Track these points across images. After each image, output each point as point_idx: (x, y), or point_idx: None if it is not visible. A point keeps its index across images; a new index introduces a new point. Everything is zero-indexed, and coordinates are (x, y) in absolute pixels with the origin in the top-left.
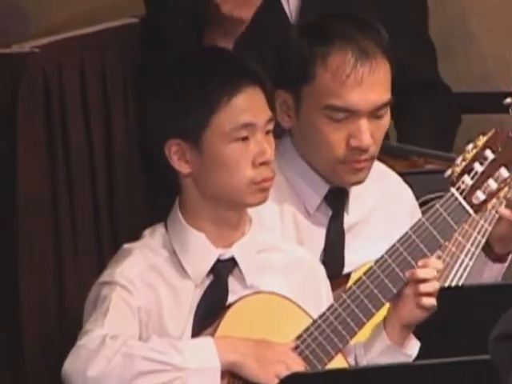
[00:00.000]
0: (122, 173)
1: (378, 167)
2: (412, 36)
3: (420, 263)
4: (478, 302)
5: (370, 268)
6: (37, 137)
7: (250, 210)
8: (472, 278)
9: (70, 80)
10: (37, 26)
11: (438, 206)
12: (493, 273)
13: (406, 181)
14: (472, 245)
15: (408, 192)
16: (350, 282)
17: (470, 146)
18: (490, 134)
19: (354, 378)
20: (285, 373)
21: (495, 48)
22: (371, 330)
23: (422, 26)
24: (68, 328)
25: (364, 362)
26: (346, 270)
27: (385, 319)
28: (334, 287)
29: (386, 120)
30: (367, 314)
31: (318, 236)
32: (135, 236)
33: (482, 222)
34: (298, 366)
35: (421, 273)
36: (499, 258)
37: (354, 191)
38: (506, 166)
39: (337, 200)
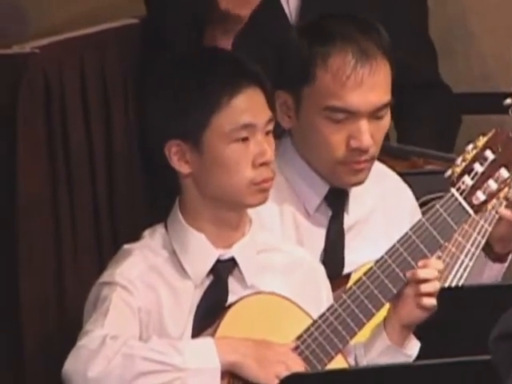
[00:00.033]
0: (122, 173)
1: (378, 167)
2: (412, 36)
3: (420, 264)
4: (478, 302)
5: (370, 268)
6: (37, 137)
7: (250, 211)
8: (472, 279)
9: (70, 80)
10: (37, 26)
11: (438, 206)
12: (493, 273)
13: (406, 181)
14: (472, 245)
15: (408, 192)
16: (350, 283)
17: (470, 146)
18: (490, 135)
19: (353, 378)
20: (285, 373)
21: (495, 48)
22: (371, 331)
23: (422, 26)
24: (68, 328)
25: (364, 362)
26: (346, 271)
27: (385, 319)
28: (334, 287)
29: (386, 121)
30: (367, 314)
31: (317, 236)
32: (135, 236)
33: (481, 222)
34: (297, 366)
35: (422, 273)
36: (499, 258)
37: (354, 191)
38: (506, 167)
39: (337, 200)
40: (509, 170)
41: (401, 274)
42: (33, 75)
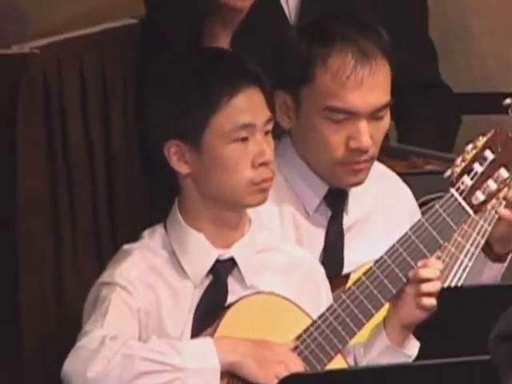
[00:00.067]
0: (121, 173)
1: (377, 167)
2: (412, 36)
3: (419, 264)
4: (478, 303)
5: (370, 268)
6: (36, 137)
7: (250, 211)
8: (471, 279)
9: (69, 80)
10: (36, 26)
11: (437, 206)
12: (492, 273)
13: (405, 181)
14: (471, 245)
15: (407, 192)
16: (350, 283)
17: (470, 146)
18: (489, 135)
19: (353, 378)
20: (284, 373)
21: (495, 48)
22: (371, 331)
23: (422, 26)
24: (67, 328)
25: (364, 362)
26: (345, 271)
27: (384, 319)
28: (333, 288)
29: (386, 121)
30: (367, 314)
31: (317, 236)
32: (134, 236)
33: (481, 222)
34: (297, 366)
35: (424, 272)
36: (499, 258)
37: (354, 192)
38: (506, 167)
39: (336, 201)
40: (508, 170)
41: (400, 274)
42: (32, 75)
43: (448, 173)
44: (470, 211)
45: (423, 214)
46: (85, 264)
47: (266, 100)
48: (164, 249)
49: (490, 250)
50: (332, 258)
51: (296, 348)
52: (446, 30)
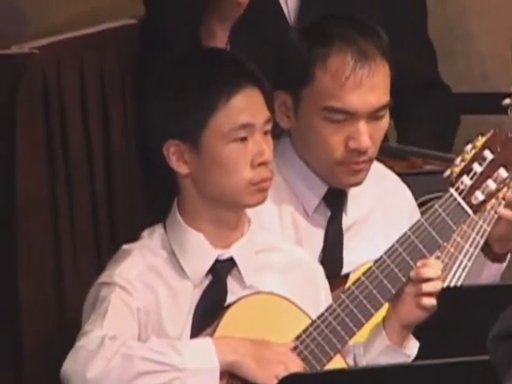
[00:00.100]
0: (120, 173)
1: (377, 167)
2: (413, 36)
3: (419, 264)
4: (478, 303)
5: (369, 268)
6: (36, 137)
7: (249, 211)
8: (471, 279)
9: (69, 81)
10: (36, 26)
11: (436, 206)
12: (491, 273)
13: (404, 181)
14: (471, 245)
15: (406, 192)
16: (349, 283)
17: (469, 146)
18: (488, 135)
19: (352, 378)
20: (283, 373)
21: (494, 48)
22: (370, 330)
23: (423, 27)
24: (67, 328)
25: (363, 362)
26: (344, 271)
27: (384, 319)
28: (332, 288)
29: (385, 121)
30: (366, 314)
31: (316, 237)
32: (134, 236)
33: (480, 222)
34: (296, 366)
35: (426, 272)
36: (498, 258)
37: (353, 192)
38: (505, 167)
39: (335, 201)
40: (508, 170)
41: (400, 274)
42: (32, 75)
43: (447, 173)
44: (470, 211)
45: (422, 213)
46: (84, 264)
47: (265, 100)
48: (163, 249)
49: (489, 250)
50: (331, 258)
51: (295, 348)
52: (446, 30)
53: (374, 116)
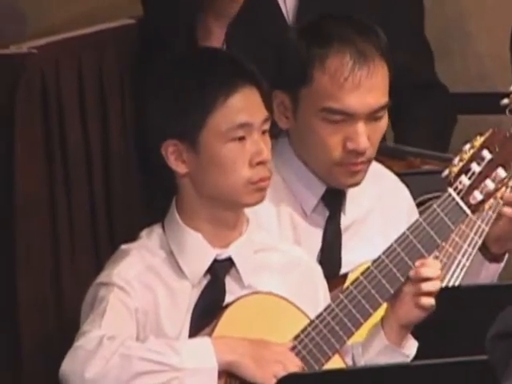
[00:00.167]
0: (119, 173)
1: (375, 167)
2: (412, 36)
3: (417, 263)
4: (476, 302)
5: (368, 268)
6: (34, 137)
7: (247, 210)
8: (469, 279)
9: (67, 80)
10: (36, 26)
11: (435, 206)
12: (489, 273)
13: (403, 181)
14: (469, 245)
15: (405, 192)
16: (348, 283)
17: (468, 146)
18: (487, 135)
19: (351, 378)
20: (282, 373)
21: (492, 48)
22: (369, 330)
23: (421, 27)
24: (66, 328)
25: (362, 361)
26: (343, 271)
27: (382, 319)
28: (331, 287)
29: (384, 122)
30: (364, 314)
31: (315, 236)
32: (132, 236)
33: (478, 222)
34: (295, 366)
35: (425, 271)
36: (495, 258)
37: (351, 192)
38: (504, 167)
39: (334, 201)
40: (506, 170)
41: (398, 274)
42: (31, 75)
43: (446, 172)
44: (468, 211)
45: (421, 213)
46: (83, 264)
47: (263, 99)
48: (162, 249)
49: (487, 251)
50: (330, 257)
51: (294, 348)
52: (443, 30)
53: (372, 117)
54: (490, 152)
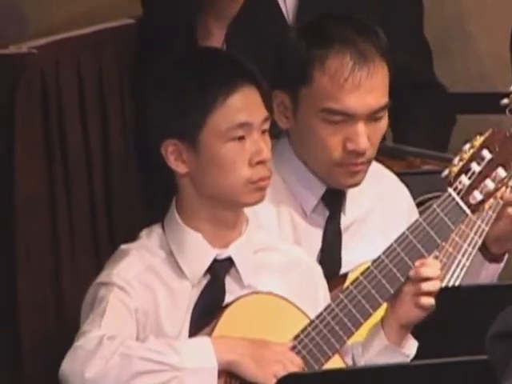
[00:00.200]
0: (119, 173)
1: (375, 167)
2: (411, 36)
3: (417, 263)
4: (476, 302)
5: (367, 268)
6: (34, 137)
7: (247, 210)
8: (469, 279)
9: (67, 80)
10: (36, 26)
11: (435, 206)
12: (489, 273)
13: (403, 181)
14: (469, 245)
15: (405, 191)
16: (347, 283)
17: (467, 146)
18: (487, 134)
19: (351, 378)
20: (282, 373)
21: (492, 48)
22: (369, 330)
23: (420, 27)
24: (66, 328)
25: (362, 361)
26: (343, 271)
27: (382, 319)
28: (331, 287)
29: (384, 122)
30: (364, 314)
31: (315, 236)
32: (132, 236)
33: (478, 222)
34: (295, 366)
35: (425, 271)
36: (495, 259)
37: (351, 192)
38: (504, 166)
39: (334, 201)
40: (506, 170)
41: (398, 274)
42: (30, 75)
43: (446, 172)
44: (468, 211)
45: (421, 213)
46: (83, 264)
47: (263, 99)
48: (161, 249)
49: (487, 251)
50: (330, 257)
51: (294, 348)
52: (443, 30)
53: (372, 117)
54: (490, 152)
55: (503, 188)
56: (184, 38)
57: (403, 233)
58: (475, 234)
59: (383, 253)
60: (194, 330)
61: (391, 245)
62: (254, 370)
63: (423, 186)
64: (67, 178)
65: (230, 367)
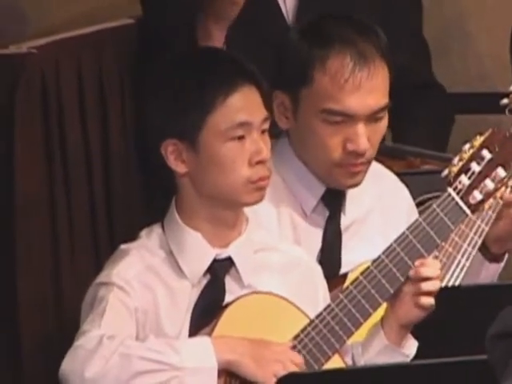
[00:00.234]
0: (118, 173)
1: (375, 167)
2: (411, 36)
3: (417, 263)
4: (476, 302)
5: (367, 268)
6: (34, 137)
7: (247, 210)
8: (469, 279)
9: (67, 80)
10: (36, 26)
11: (434, 206)
12: (489, 273)
13: (403, 181)
14: (469, 245)
15: (404, 191)
16: (347, 282)
17: (467, 146)
18: (486, 134)
19: (351, 378)
20: (282, 372)
21: (492, 48)
22: (368, 330)
23: (419, 27)
24: (66, 328)
25: (362, 361)
26: (343, 270)
27: (382, 319)
28: (331, 287)
29: (384, 123)
30: (364, 314)
31: (315, 237)
32: (132, 236)
33: (478, 222)
34: (295, 365)
35: (425, 271)
36: (495, 258)
37: (351, 192)
38: (503, 166)
39: (333, 201)
40: (506, 170)
41: (398, 274)
42: (30, 75)
43: (445, 172)
44: (468, 211)
45: (420, 213)
46: (83, 264)
47: (263, 99)
48: (161, 248)
49: (487, 251)
50: (329, 257)
51: (294, 347)
52: (443, 30)
53: (372, 118)
54: (490, 152)
55: (503, 188)
56: (184, 38)
57: (403, 233)
58: (475, 234)
59: (383, 253)
60: (194, 330)
61: (391, 245)
62: (254, 369)
63: (423, 185)
64: (67, 178)
65: (229, 367)
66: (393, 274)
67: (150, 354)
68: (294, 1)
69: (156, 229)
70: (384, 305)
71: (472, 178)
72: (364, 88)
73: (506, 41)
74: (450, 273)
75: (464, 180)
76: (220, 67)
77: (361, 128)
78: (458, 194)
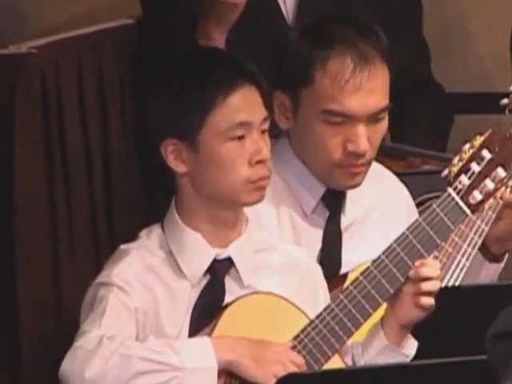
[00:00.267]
0: (118, 173)
1: (375, 167)
2: (411, 36)
3: (417, 263)
4: (476, 302)
5: (367, 268)
6: (34, 137)
7: (247, 210)
8: (469, 279)
9: (67, 80)
10: (36, 26)
11: (434, 206)
12: (489, 273)
13: (402, 181)
14: (468, 245)
15: (404, 191)
16: (347, 283)
17: (467, 146)
18: (486, 134)
19: (351, 378)
20: (282, 372)
21: (492, 48)
22: (368, 330)
23: (419, 26)
24: (65, 328)
25: (362, 361)
26: (343, 271)
27: (382, 319)
28: (331, 287)
29: (384, 124)
30: (364, 314)
31: (315, 237)
32: (132, 236)
33: (478, 222)
34: (295, 365)
35: (425, 271)
36: (495, 259)
37: (351, 192)
38: (503, 166)
39: (333, 201)
40: (506, 170)
41: (398, 274)
42: (30, 75)
43: (445, 172)
44: (468, 211)
45: (420, 213)
46: (82, 264)
47: (263, 99)
48: (161, 249)
49: (487, 251)
50: (330, 258)
51: (294, 348)
52: (443, 30)
53: (372, 119)
54: (490, 152)
55: (503, 188)
56: (184, 38)
57: (403, 233)
58: (475, 234)
59: (383, 253)
60: (194, 330)
61: (391, 245)
62: (254, 369)
63: (423, 186)
64: (67, 178)
65: (229, 367)
66: (393, 274)
67: (150, 354)
68: (294, 1)
69: (156, 229)
70: (384, 305)
71: (472, 178)
72: (364, 89)
73: (506, 41)
74: (450, 273)
75: (464, 180)
76: (220, 67)
77: (361, 129)
78: (457, 194)
